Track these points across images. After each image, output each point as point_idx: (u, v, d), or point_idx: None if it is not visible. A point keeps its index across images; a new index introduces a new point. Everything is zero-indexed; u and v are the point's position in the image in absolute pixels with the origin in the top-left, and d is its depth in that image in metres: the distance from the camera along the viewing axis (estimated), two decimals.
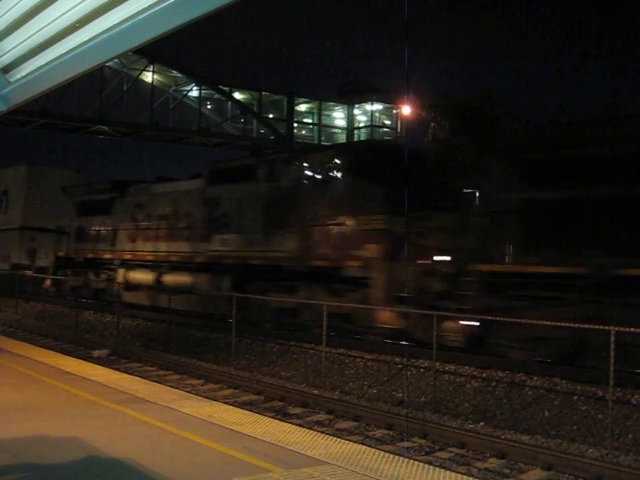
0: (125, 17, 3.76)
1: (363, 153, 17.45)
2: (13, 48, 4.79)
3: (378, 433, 10.26)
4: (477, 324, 12.86)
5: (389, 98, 39.02)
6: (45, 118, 33.12)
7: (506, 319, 11.84)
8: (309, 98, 41.01)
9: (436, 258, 14.01)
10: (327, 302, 14.32)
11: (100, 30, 3.99)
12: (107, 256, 25.45)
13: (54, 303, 25.84)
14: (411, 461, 6.60)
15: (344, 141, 39.87)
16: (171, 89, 37.31)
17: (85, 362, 12.54)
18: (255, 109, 38.65)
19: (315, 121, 41.23)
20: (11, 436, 6.83)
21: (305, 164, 17.47)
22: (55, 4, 4.08)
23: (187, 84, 37.23)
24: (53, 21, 4.22)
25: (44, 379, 10.03)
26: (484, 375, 12.33)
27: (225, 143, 38.96)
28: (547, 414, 10.62)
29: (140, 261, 23.46)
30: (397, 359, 13.67)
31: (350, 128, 41.12)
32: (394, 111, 40.84)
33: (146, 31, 3.73)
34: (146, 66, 35.28)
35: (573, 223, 12.26)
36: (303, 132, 41.16)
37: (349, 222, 15.72)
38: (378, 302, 14.59)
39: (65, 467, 5.99)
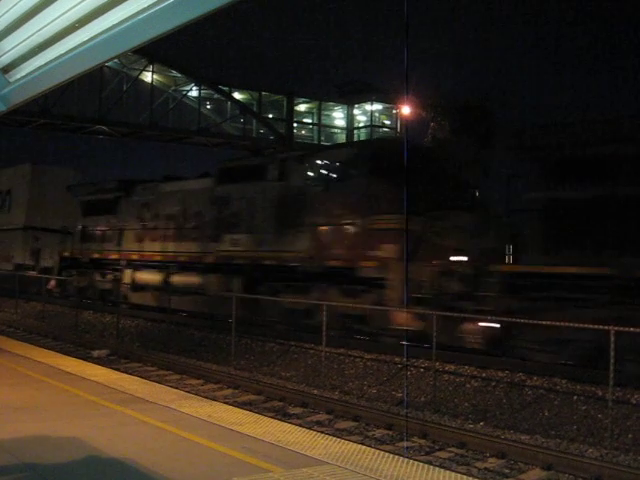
0: (125, 17, 3.77)
1: (379, 151, 17.01)
2: (13, 48, 4.80)
3: (378, 433, 10.26)
4: (497, 326, 12.60)
5: (389, 98, 39.07)
6: (45, 118, 33.13)
7: (526, 321, 11.54)
8: (309, 98, 41.02)
9: (453, 258, 13.79)
10: (327, 302, 14.25)
11: (100, 30, 4.00)
12: (113, 256, 25.07)
13: (54, 303, 25.82)
14: (411, 461, 6.59)
15: (344, 141, 39.85)
16: (171, 89, 37.31)
17: (85, 362, 12.53)
18: (255, 109, 38.66)
19: (315, 121, 41.22)
20: (11, 436, 6.83)
21: (318, 162, 17.25)
22: (55, 4, 4.08)
23: (187, 84, 37.24)
24: (53, 21, 4.22)
25: (44, 379, 10.03)
26: (484, 375, 12.33)
27: (225, 143, 38.96)
28: (547, 414, 10.63)
29: (147, 261, 23.11)
30: (397, 359, 13.65)
31: (350, 128, 41.13)
32: (394, 111, 40.87)
33: (146, 31, 3.73)
34: (146, 66, 35.29)
35: (597, 223, 11.98)
36: (303, 132, 41.16)
37: (364, 221, 15.40)
38: (394, 303, 14.27)
39: (65, 467, 5.99)
